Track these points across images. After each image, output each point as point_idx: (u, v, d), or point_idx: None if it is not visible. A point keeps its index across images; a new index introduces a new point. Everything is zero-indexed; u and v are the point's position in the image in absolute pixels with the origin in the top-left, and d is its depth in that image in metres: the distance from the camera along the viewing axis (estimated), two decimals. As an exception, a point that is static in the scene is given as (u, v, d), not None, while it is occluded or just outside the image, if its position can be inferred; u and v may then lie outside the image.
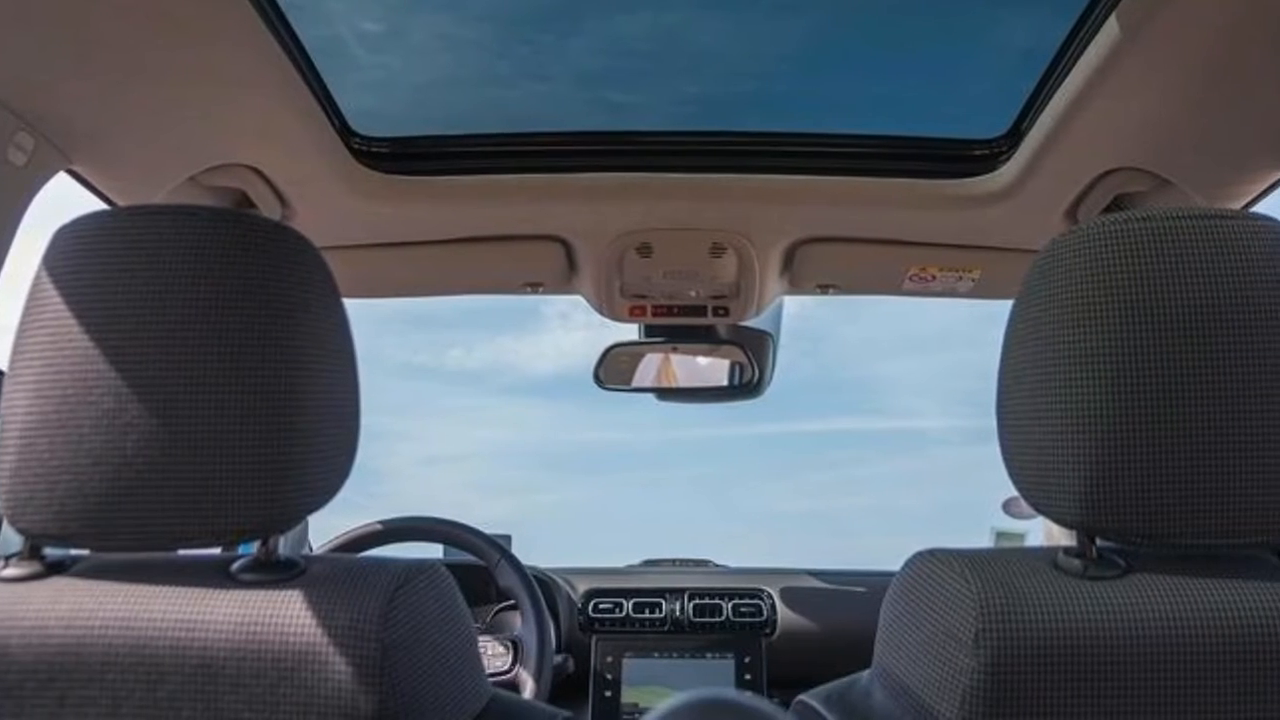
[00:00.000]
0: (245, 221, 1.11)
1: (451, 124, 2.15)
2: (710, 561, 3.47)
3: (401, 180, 2.15)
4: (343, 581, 1.09)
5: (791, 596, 3.13)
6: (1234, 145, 1.88)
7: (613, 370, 2.97)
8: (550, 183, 2.20)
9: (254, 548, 1.13)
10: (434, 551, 2.95)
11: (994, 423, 1.22)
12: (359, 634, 1.04)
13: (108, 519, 1.05)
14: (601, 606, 3.06)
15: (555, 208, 2.28)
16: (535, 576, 2.87)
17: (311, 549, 3.01)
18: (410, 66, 2.00)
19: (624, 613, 3.05)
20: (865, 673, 1.30)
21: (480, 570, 2.84)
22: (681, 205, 2.26)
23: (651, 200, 2.24)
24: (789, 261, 2.53)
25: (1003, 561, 1.13)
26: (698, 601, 3.06)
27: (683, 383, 3.13)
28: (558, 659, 2.82)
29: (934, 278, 2.56)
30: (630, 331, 2.90)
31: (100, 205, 1.92)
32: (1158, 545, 1.09)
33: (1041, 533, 3.32)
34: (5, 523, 1.11)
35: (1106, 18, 1.63)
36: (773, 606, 3.08)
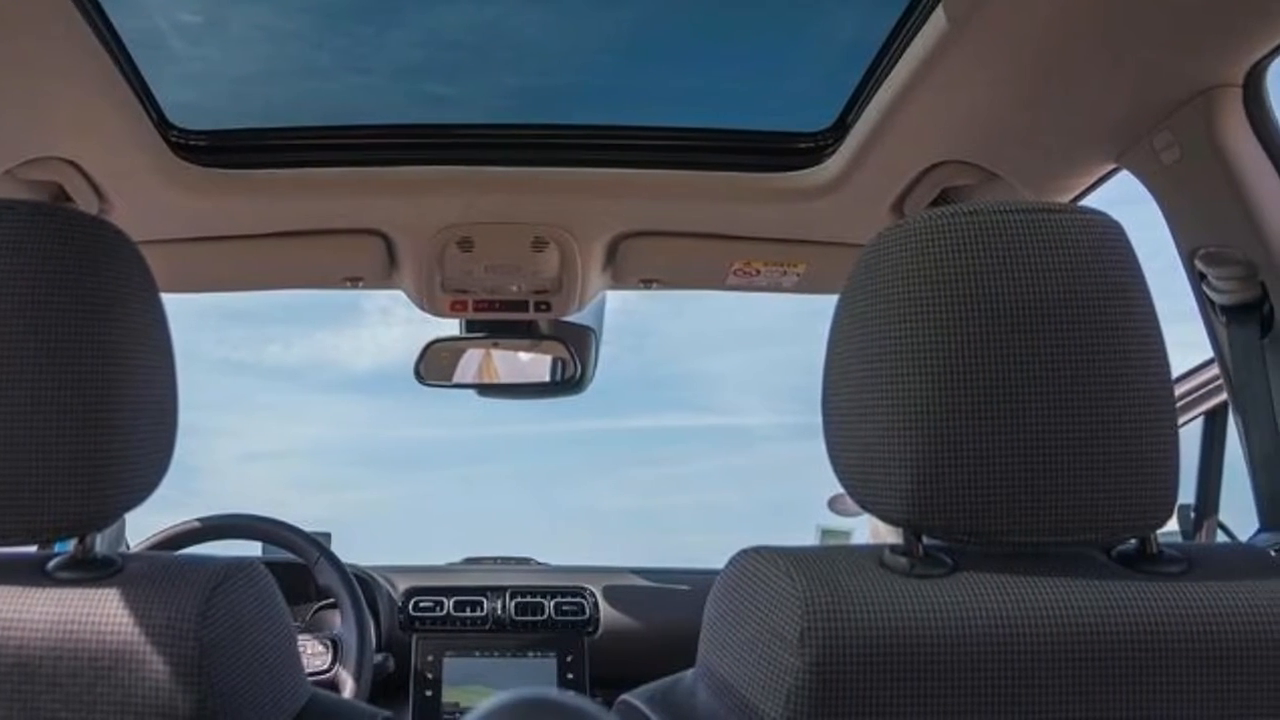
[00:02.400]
0: (61, 216, 1.11)
1: (271, 117, 2.17)
2: (532, 559, 3.50)
3: (220, 174, 2.16)
4: (160, 580, 1.09)
5: (614, 595, 3.18)
6: (1061, 138, 1.94)
7: (433, 366, 2.99)
8: (370, 176, 2.22)
9: (71, 545, 1.12)
10: (253, 549, 2.96)
11: (820, 419, 1.23)
12: (177, 633, 1.04)
13: None
14: (422, 605, 3.08)
15: (375, 201, 2.31)
16: (355, 574, 2.90)
17: (129, 547, 2.96)
18: (229, 59, 2.01)
19: (445, 611, 3.07)
20: (689, 672, 1.30)
21: (299, 568, 2.86)
22: (503, 199, 2.31)
23: (472, 194, 2.28)
24: (612, 256, 2.58)
25: (828, 560, 1.13)
26: (519, 600, 3.09)
27: (504, 378, 3.17)
28: (378, 658, 2.84)
29: (759, 272, 2.63)
30: (452, 327, 2.94)
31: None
32: (985, 543, 1.11)
33: (868, 530, 3.40)
34: None
35: (933, 10, 1.68)
36: (595, 605, 3.13)
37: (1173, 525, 3.26)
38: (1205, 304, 1.84)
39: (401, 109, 2.20)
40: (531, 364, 3.14)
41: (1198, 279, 1.82)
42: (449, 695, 2.98)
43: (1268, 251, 1.66)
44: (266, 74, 2.08)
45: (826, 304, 1.25)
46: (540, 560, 3.51)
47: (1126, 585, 1.10)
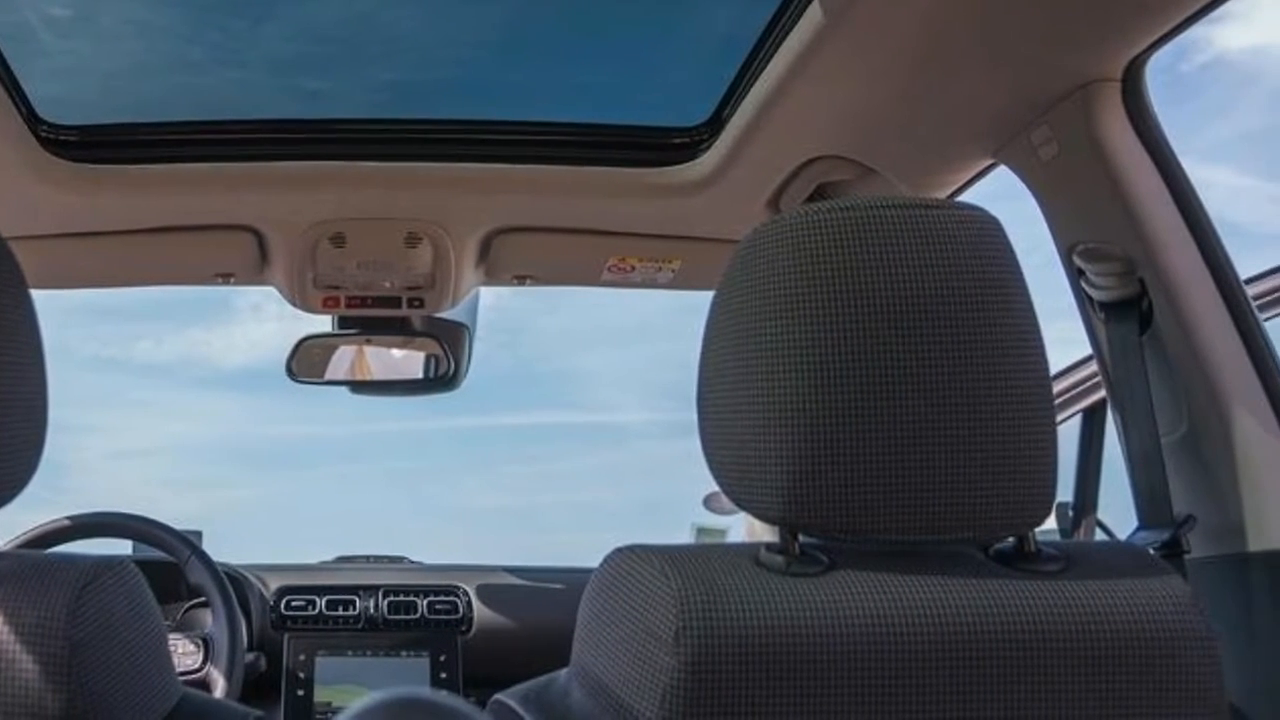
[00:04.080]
0: None
1: (142, 112, 2.18)
2: (405, 558, 3.50)
3: (91, 169, 2.17)
4: (29, 578, 1.09)
5: (488, 594, 3.19)
6: (939, 134, 1.96)
7: (305, 363, 2.99)
8: (242, 171, 2.24)
9: (-61, 546, 1.14)
10: (123, 548, 2.93)
11: (696, 416, 1.23)
12: (46, 632, 1.05)
13: None
14: (294, 604, 3.07)
15: (247, 197, 2.33)
16: (226, 573, 2.89)
17: (-4, 545, 2.96)
18: (100, 53, 2.02)
19: (317, 610, 3.06)
20: (563, 671, 1.30)
21: (170, 567, 2.84)
22: (375, 194, 2.33)
23: (345, 189, 2.31)
24: (486, 251, 2.62)
25: (704, 558, 1.13)
26: (392, 599, 3.09)
27: (377, 375, 3.16)
28: (249, 657, 2.84)
29: (633, 268, 2.68)
30: (324, 323, 2.95)
31: None
32: (861, 541, 1.12)
33: (744, 529, 3.47)
34: None
35: (809, 4, 1.69)
36: (469, 604, 3.14)
37: (1051, 523, 3.31)
38: (1084, 300, 1.87)
39: (274, 104, 2.21)
40: (405, 361, 3.15)
41: (1076, 275, 1.85)
42: (321, 695, 2.98)
43: (1146, 248, 1.68)
44: (138, 68, 2.09)
45: (702, 300, 1.25)
46: (413, 559, 3.51)
47: (1004, 584, 1.11)
